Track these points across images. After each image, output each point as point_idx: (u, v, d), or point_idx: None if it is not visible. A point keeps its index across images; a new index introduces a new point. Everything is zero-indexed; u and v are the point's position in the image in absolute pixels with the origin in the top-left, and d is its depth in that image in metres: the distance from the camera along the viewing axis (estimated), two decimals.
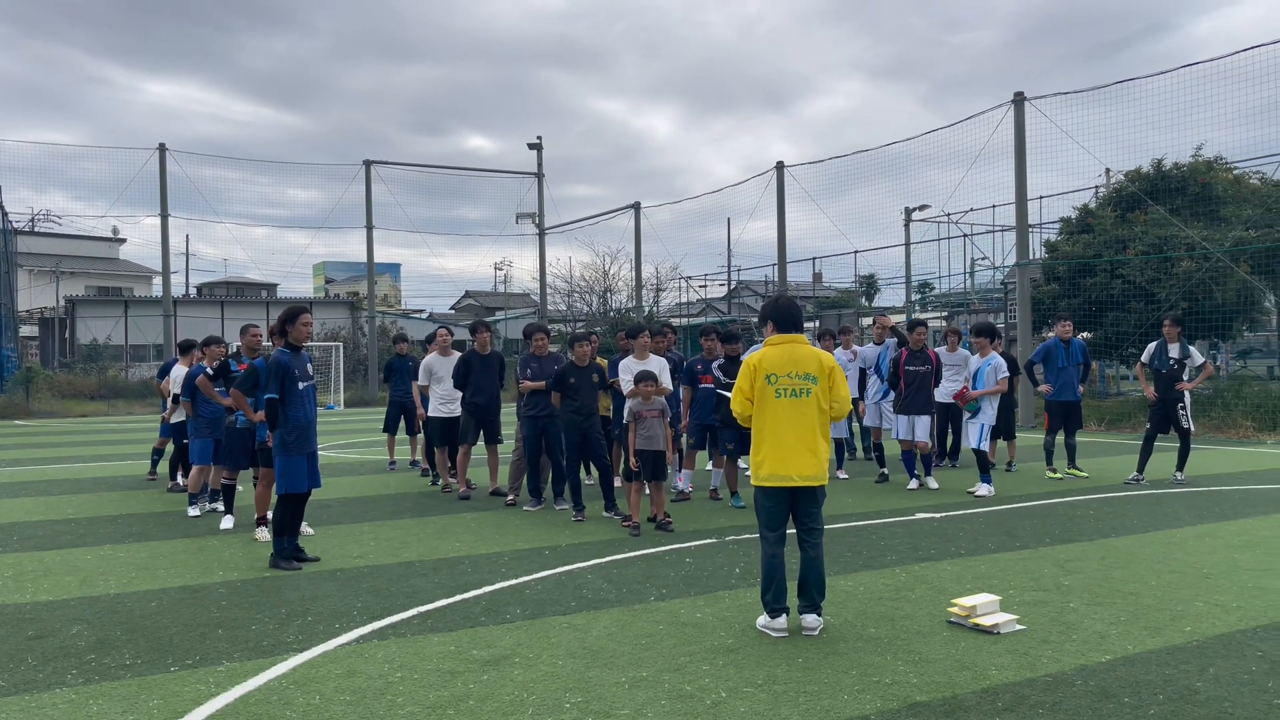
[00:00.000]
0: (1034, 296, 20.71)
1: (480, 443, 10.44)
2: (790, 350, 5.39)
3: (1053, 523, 8.53)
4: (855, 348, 12.46)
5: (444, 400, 10.81)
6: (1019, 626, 5.28)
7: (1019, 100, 19.75)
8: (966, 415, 10.71)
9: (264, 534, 8.04)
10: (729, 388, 8.88)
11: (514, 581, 6.53)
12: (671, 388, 9.40)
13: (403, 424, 13.25)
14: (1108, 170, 24.70)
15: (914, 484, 10.71)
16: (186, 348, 10.58)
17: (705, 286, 43.72)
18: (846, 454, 12.50)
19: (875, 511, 9.25)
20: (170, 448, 11.40)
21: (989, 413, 10.48)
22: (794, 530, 5.41)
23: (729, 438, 9.52)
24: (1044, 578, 6.45)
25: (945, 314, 34.16)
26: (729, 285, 44.66)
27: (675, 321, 38.47)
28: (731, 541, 7.83)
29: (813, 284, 43.81)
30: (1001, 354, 11.05)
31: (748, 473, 6.08)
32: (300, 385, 7.16)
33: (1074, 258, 20.81)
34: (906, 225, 33.90)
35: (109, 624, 5.59)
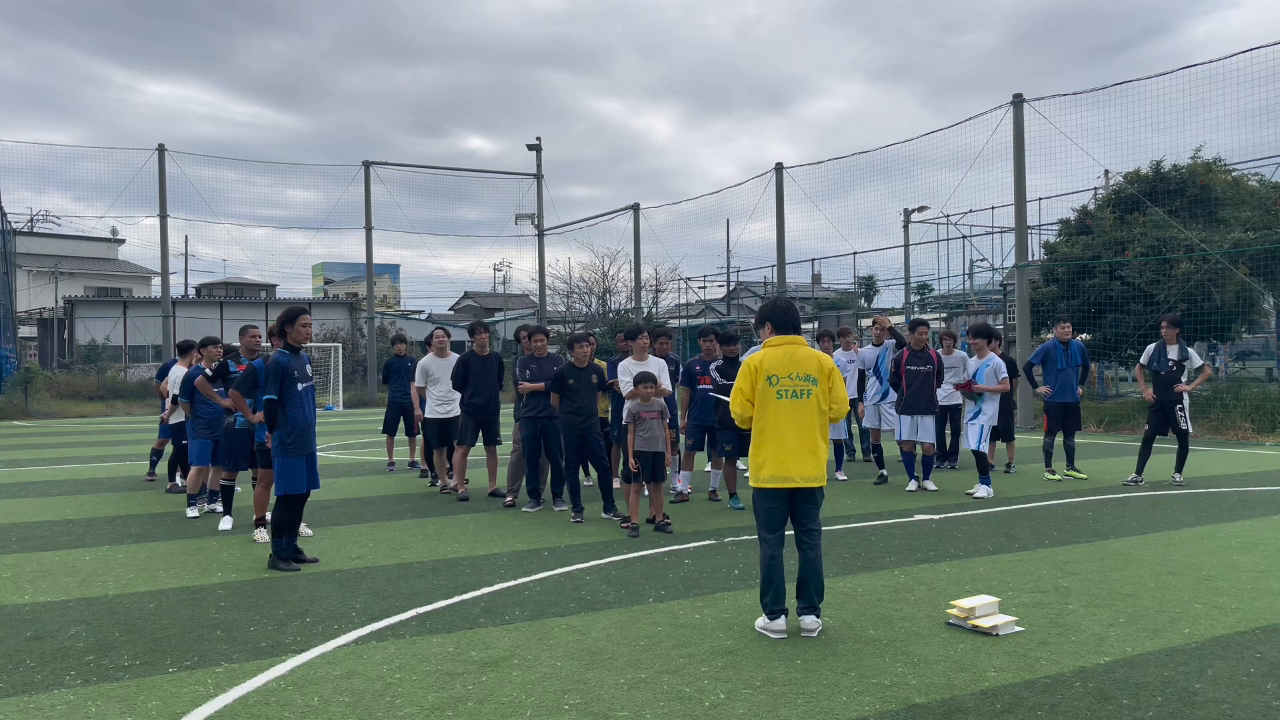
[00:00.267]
0: (1033, 298, 20.72)
1: (479, 444, 10.44)
2: (790, 352, 5.39)
3: (1051, 524, 8.53)
4: (857, 349, 12.46)
5: (441, 401, 10.80)
6: (1018, 628, 5.28)
7: (1018, 102, 19.76)
8: (967, 416, 10.71)
9: (263, 535, 8.04)
10: (726, 390, 8.88)
11: (513, 583, 6.53)
12: (671, 389, 9.41)
13: (402, 425, 13.25)
14: (1106, 172, 24.72)
15: (913, 485, 10.71)
16: (185, 349, 10.58)
17: (704, 288, 43.77)
18: (846, 455, 12.50)
19: (874, 513, 9.25)
20: (169, 449, 11.40)
21: (990, 413, 10.48)
22: (792, 532, 5.42)
23: (727, 439, 9.52)
24: (1043, 579, 6.46)
25: (944, 315, 34.18)
26: (728, 286, 44.68)
27: (673, 323, 38.50)
28: (730, 543, 7.84)
29: (812, 285, 43.82)
30: (1000, 356, 11.05)
31: (746, 474, 6.08)
32: (299, 386, 7.15)
33: (1073, 259, 20.83)
34: (905, 227, 33.94)
35: (107, 625, 5.59)
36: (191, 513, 9.38)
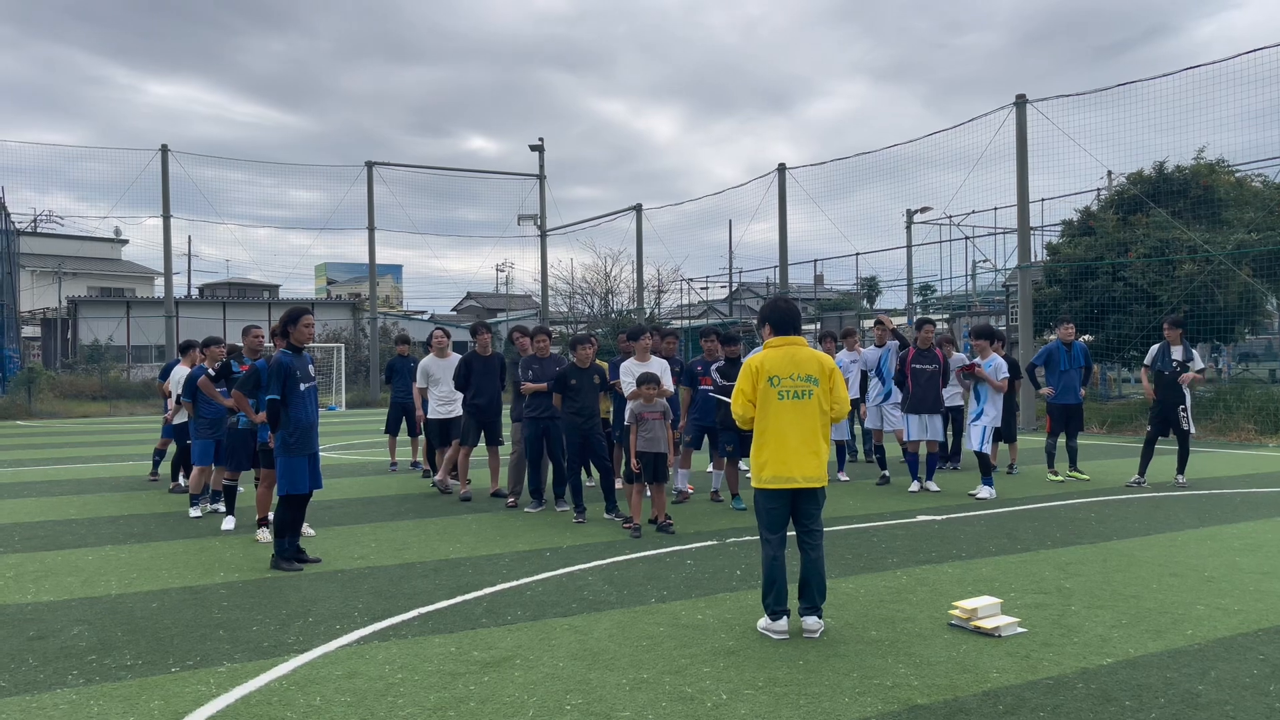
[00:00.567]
0: (1035, 299, 20.70)
1: (481, 444, 10.44)
2: (791, 352, 5.39)
3: (1054, 525, 8.52)
4: (860, 350, 12.45)
5: (442, 401, 10.81)
6: (1020, 629, 5.28)
7: (1021, 102, 19.75)
8: (970, 416, 10.70)
9: (265, 535, 8.05)
10: (727, 391, 8.88)
11: (515, 583, 6.53)
12: (673, 389, 9.41)
13: (404, 425, 13.26)
14: (1109, 173, 24.73)
15: (915, 486, 10.70)
16: (186, 349, 10.60)
17: (707, 288, 43.78)
18: (848, 456, 12.49)
19: (876, 514, 9.24)
20: (172, 449, 11.41)
21: (993, 414, 10.47)
22: (794, 533, 5.41)
23: (729, 439, 9.52)
24: (1045, 580, 6.45)
25: (947, 316, 34.17)
26: (730, 287, 44.68)
27: (675, 323, 38.51)
28: (732, 544, 7.83)
29: (814, 286, 43.82)
30: (1003, 357, 11.04)
31: (748, 475, 6.08)
32: (302, 386, 7.16)
33: (1076, 260, 20.80)
34: (908, 227, 33.95)
35: (110, 625, 5.59)
36: (194, 512, 9.39)
